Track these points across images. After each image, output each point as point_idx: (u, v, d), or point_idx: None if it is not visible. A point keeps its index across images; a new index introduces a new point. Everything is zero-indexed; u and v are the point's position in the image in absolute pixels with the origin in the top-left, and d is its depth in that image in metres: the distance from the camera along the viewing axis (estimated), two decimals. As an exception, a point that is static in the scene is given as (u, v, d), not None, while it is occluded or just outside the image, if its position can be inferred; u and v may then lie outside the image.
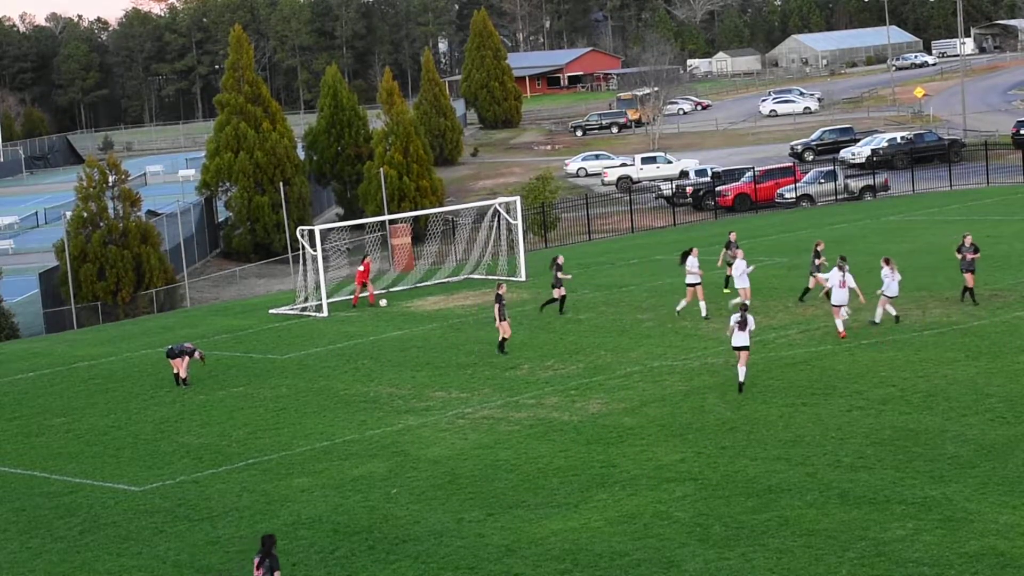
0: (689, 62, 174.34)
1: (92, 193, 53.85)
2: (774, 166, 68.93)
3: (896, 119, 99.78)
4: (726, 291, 36.75)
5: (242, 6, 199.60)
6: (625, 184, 77.63)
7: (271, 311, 43.00)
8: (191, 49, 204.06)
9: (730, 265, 36.13)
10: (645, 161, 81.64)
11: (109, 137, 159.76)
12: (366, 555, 19.81)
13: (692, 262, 34.44)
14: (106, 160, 56.10)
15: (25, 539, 22.03)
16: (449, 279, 46.01)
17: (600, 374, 29.63)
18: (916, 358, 28.51)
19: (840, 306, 31.10)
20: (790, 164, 70.66)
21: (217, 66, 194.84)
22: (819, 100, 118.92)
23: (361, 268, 42.61)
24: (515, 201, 46.55)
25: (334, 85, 78.19)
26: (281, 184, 63.74)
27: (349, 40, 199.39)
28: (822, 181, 64.34)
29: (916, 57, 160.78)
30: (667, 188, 69.06)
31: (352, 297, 42.52)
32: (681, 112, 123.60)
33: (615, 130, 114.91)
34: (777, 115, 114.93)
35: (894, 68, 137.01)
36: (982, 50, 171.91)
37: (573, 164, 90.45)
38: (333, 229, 45.87)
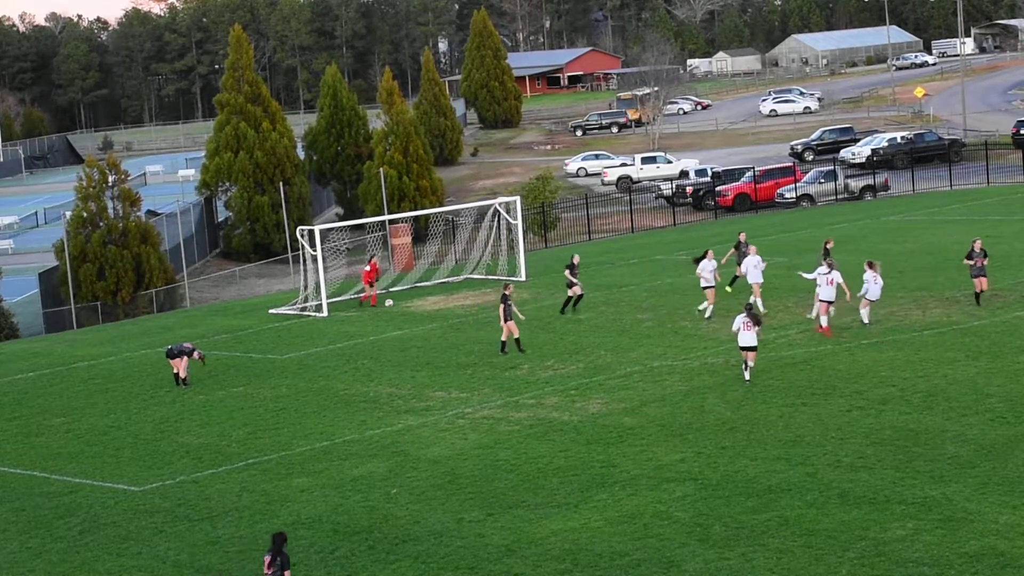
0: (689, 62, 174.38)
1: (92, 193, 53.86)
2: (774, 166, 68.93)
3: (896, 119, 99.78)
4: (728, 289, 36.70)
5: (242, 6, 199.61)
6: (625, 184, 77.62)
7: (271, 311, 43.01)
8: (191, 49, 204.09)
9: (739, 265, 36.13)
10: (645, 161, 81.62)
11: (109, 137, 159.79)
12: (366, 555, 19.80)
13: (704, 265, 34.29)
14: (106, 160, 56.11)
15: (25, 539, 22.03)
16: (449, 279, 46.01)
17: (600, 374, 29.63)
18: (916, 358, 28.51)
19: (828, 302, 31.37)
20: (790, 164, 70.66)
21: (217, 66, 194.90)
22: (819, 100, 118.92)
23: (367, 268, 42.58)
24: (515, 201, 46.55)
25: (334, 85, 78.20)
26: (281, 184, 63.75)
27: (349, 40, 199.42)
28: (822, 181, 64.34)
29: (916, 57, 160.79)
30: (667, 188, 69.07)
31: (360, 296, 42.48)
32: (681, 112, 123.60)
33: (615, 130, 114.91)
34: (777, 115, 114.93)
35: (894, 68, 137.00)
36: (982, 50, 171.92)
37: (573, 164, 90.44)
38: (333, 229, 45.88)
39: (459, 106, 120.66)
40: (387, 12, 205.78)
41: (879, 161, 71.98)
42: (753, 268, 34.23)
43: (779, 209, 62.19)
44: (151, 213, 63.31)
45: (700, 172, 72.42)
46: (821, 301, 31.44)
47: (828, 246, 35.28)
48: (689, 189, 67.93)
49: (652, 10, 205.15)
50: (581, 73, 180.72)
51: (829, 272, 31.23)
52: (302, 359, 34.51)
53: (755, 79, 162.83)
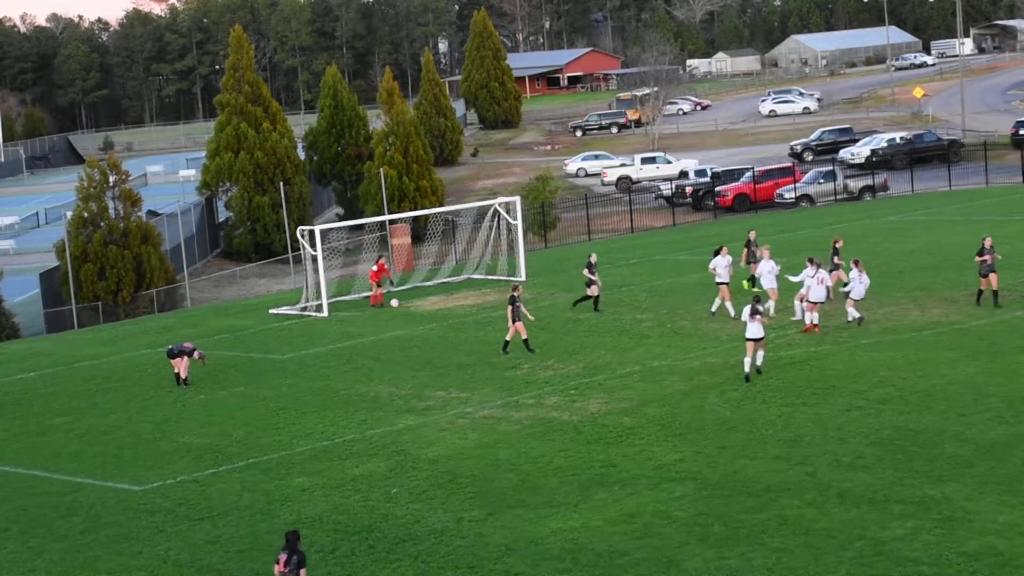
0: (689, 62, 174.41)
1: (93, 193, 53.90)
2: (773, 166, 68.94)
3: (895, 119, 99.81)
4: (745, 284, 36.67)
5: (242, 6, 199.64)
6: (625, 184, 77.63)
7: (271, 311, 43.06)
8: (191, 49, 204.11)
9: (753, 264, 36.14)
10: (645, 161, 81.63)
11: (109, 137, 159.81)
12: (366, 554, 19.86)
13: (718, 261, 34.29)
14: (107, 160, 56.14)
15: (26, 538, 22.08)
16: (450, 279, 46.06)
17: (600, 374, 29.68)
18: (915, 358, 28.56)
19: (818, 302, 31.73)
20: (789, 164, 70.67)
21: (217, 66, 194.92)
22: (818, 100, 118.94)
23: (375, 268, 42.46)
24: (515, 201, 46.60)
25: (334, 85, 78.24)
26: (281, 184, 63.77)
27: (349, 40, 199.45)
28: (821, 181, 64.37)
29: (915, 57, 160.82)
30: (667, 188, 69.09)
31: (371, 298, 42.30)
32: (681, 112, 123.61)
33: (615, 130, 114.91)
34: (776, 115, 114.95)
35: (893, 68, 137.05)
36: (981, 50, 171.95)
37: (573, 164, 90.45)
38: (333, 229, 45.92)
39: (459, 106, 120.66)
40: (387, 13, 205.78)
41: (878, 161, 72.03)
42: (768, 274, 34.16)
43: (778, 209, 62.24)
44: (152, 213, 63.35)
45: (700, 172, 72.43)
46: (811, 302, 31.67)
47: (837, 245, 35.32)
48: (689, 189, 67.95)
49: (652, 11, 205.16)
50: (581, 74, 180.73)
51: (816, 272, 31.57)
52: (303, 359, 34.56)
53: (754, 79, 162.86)
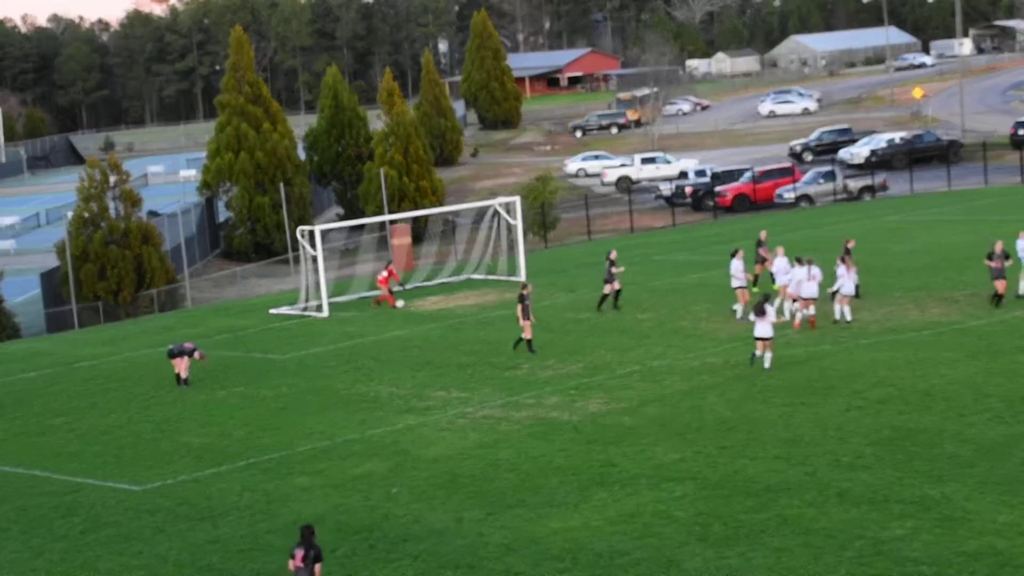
0: (688, 63, 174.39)
1: (93, 193, 53.90)
2: (773, 166, 68.93)
3: (895, 120, 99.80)
4: (754, 290, 36.66)
5: (243, 7, 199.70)
6: (624, 184, 77.64)
7: (272, 311, 43.06)
8: (192, 50, 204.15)
9: (759, 264, 36.11)
10: (644, 161, 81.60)
11: (110, 137, 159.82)
12: (366, 554, 19.87)
13: (735, 264, 34.26)
14: (107, 160, 56.14)
15: (26, 538, 22.09)
16: (450, 279, 46.07)
17: (600, 374, 29.70)
18: (915, 358, 28.58)
19: (811, 299, 32.01)
20: (789, 164, 70.68)
21: (218, 67, 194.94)
22: (818, 101, 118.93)
23: (384, 274, 42.01)
24: (515, 201, 46.61)
25: (334, 86, 78.23)
26: (282, 184, 63.79)
27: (349, 41, 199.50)
28: (821, 181, 64.38)
29: (915, 58, 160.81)
30: (666, 188, 69.09)
31: (380, 298, 41.96)
32: (680, 112, 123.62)
33: (614, 130, 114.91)
34: (776, 115, 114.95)
35: (893, 69, 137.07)
36: (980, 51, 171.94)
37: (573, 164, 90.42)
38: (333, 229, 45.94)
39: (459, 107, 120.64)
40: (387, 13, 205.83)
41: (878, 162, 72.03)
42: (783, 274, 34.11)
43: (778, 210, 62.24)
44: (152, 213, 63.37)
45: (699, 172, 72.39)
46: (803, 299, 31.94)
47: (849, 246, 35.28)
48: (688, 189, 67.93)
49: (651, 11, 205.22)
50: (581, 74, 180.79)
51: (809, 270, 31.93)
52: (303, 359, 34.58)
53: (754, 80, 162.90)
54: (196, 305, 53.05)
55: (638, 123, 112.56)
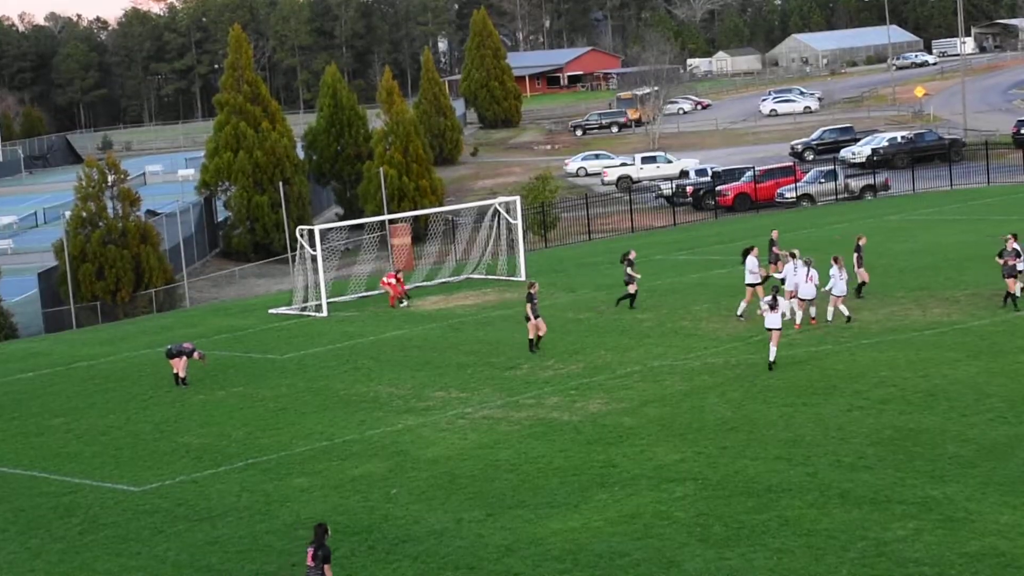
0: (689, 61, 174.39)
1: (91, 193, 53.83)
2: (774, 166, 68.86)
3: (896, 119, 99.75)
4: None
5: (241, 5, 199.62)
6: (625, 184, 77.58)
7: (271, 311, 42.98)
8: (190, 49, 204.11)
9: (772, 264, 36.02)
10: (645, 161, 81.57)
11: (108, 137, 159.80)
12: (366, 555, 19.77)
13: (752, 262, 34.14)
14: (105, 160, 56.09)
15: (24, 539, 22.00)
16: (450, 279, 45.98)
17: (600, 374, 29.60)
18: (917, 358, 28.49)
19: (808, 299, 32.15)
20: (790, 164, 70.59)
21: (216, 65, 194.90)
22: (819, 99, 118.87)
23: (392, 281, 41.69)
24: (515, 201, 46.53)
25: (333, 84, 78.18)
26: (281, 184, 63.70)
27: (349, 39, 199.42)
28: (822, 181, 64.29)
29: (916, 56, 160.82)
30: (667, 188, 69.01)
31: (390, 299, 41.72)
32: (681, 112, 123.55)
33: (615, 130, 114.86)
34: (777, 114, 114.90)
35: (894, 67, 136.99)
36: (982, 49, 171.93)
37: (573, 164, 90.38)
38: (333, 229, 45.80)
39: (459, 106, 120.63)
40: (387, 12, 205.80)
41: (879, 161, 71.94)
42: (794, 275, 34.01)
43: (779, 209, 62.17)
44: (150, 213, 63.27)
45: (700, 172, 72.37)
46: (800, 299, 31.92)
47: (861, 243, 35.09)
48: (689, 189, 67.87)
49: (652, 10, 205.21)
50: (581, 73, 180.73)
51: (808, 269, 32.04)
52: (302, 359, 34.48)
53: (755, 79, 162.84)
54: (195, 305, 52.98)
55: (638, 122, 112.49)
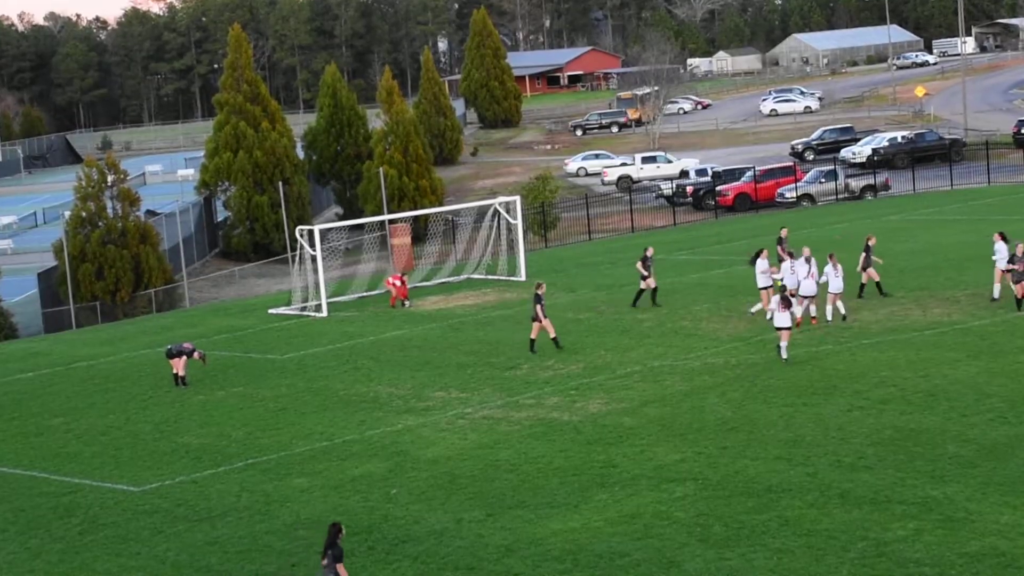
0: (689, 61, 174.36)
1: (91, 193, 53.82)
2: (774, 165, 68.83)
3: (897, 118, 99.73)
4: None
5: (241, 5, 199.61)
6: (625, 184, 77.54)
7: (270, 311, 42.96)
8: (190, 48, 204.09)
9: (780, 262, 35.98)
10: (645, 160, 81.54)
11: (108, 136, 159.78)
12: (366, 555, 19.75)
13: (762, 264, 34.09)
14: (105, 160, 56.09)
15: (24, 539, 21.99)
16: (450, 279, 45.95)
17: (600, 374, 29.59)
18: (917, 358, 28.47)
19: (809, 296, 32.22)
20: (790, 163, 70.56)
21: (216, 65, 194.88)
22: (820, 99, 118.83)
23: (398, 283, 41.68)
24: (515, 201, 46.51)
25: (333, 84, 78.16)
26: (280, 183, 63.70)
27: (348, 39, 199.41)
28: (823, 181, 64.27)
29: (917, 56, 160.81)
30: (667, 188, 69.00)
31: (392, 299, 41.67)
32: (681, 111, 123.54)
33: (615, 129, 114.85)
34: (777, 114, 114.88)
35: (895, 67, 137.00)
36: (983, 49, 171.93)
37: (573, 164, 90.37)
38: (333, 229, 45.77)
39: (459, 105, 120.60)
40: (387, 11, 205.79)
41: (880, 161, 71.92)
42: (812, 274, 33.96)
43: (779, 209, 62.15)
44: (150, 213, 63.26)
45: (700, 172, 72.33)
46: (801, 296, 32.07)
47: (870, 243, 35.02)
48: (689, 189, 67.83)
49: (652, 9, 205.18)
50: (581, 72, 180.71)
51: (809, 267, 32.19)
52: (302, 359, 34.47)
53: (755, 78, 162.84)
54: (194, 305, 52.95)
55: (639, 122, 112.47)
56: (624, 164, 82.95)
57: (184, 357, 32.07)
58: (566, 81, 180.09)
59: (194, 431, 27.93)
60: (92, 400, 31.92)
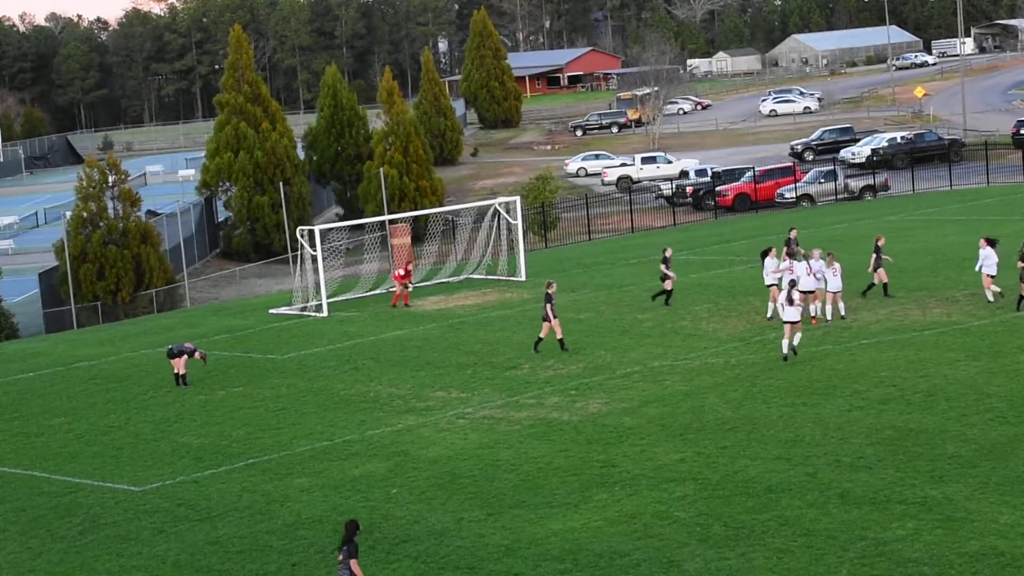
0: (689, 62, 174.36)
1: (92, 193, 53.85)
2: (774, 166, 68.88)
3: (896, 119, 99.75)
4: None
5: (242, 6, 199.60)
6: (625, 184, 77.58)
7: (271, 311, 42.99)
8: (191, 49, 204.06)
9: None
10: (645, 161, 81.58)
11: (109, 137, 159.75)
12: (366, 555, 19.75)
13: (771, 263, 34.12)
14: (106, 160, 56.13)
15: (25, 539, 22.02)
16: (450, 279, 45.99)
17: (600, 374, 29.62)
18: (916, 358, 28.50)
19: (808, 292, 32.27)
20: (790, 164, 70.62)
21: (217, 66, 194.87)
22: (819, 100, 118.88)
23: (401, 272, 41.77)
24: (515, 201, 46.54)
25: (334, 85, 78.18)
26: (281, 184, 63.73)
27: (349, 40, 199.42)
28: (822, 181, 64.30)
29: (916, 57, 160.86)
30: (667, 188, 69.03)
31: (393, 298, 41.66)
32: (681, 112, 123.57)
33: (615, 130, 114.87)
34: (777, 115, 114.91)
35: (894, 68, 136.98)
36: (982, 50, 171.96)
37: (573, 164, 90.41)
38: (333, 229, 45.79)
39: (459, 106, 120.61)
40: (387, 12, 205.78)
41: (879, 161, 71.94)
42: (815, 274, 33.96)
43: (779, 209, 62.18)
44: (151, 213, 63.32)
45: (700, 172, 72.37)
46: (801, 292, 32.05)
47: (880, 243, 35.02)
48: (689, 189, 67.87)
49: (652, 10, 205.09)
50: (581, 73, 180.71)
51: (809, 264, 32.35)
52: (302, 359, 34.50)
53: (755, 79, 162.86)
54: (195, 305, 52.99)
55: (638, 122, 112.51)
56: (624, 164, 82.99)
57: (185, 357, 32.10)
58: (566, 82, 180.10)
59: (195, 431, 27.96)
60: (93, 400, 31.95)
